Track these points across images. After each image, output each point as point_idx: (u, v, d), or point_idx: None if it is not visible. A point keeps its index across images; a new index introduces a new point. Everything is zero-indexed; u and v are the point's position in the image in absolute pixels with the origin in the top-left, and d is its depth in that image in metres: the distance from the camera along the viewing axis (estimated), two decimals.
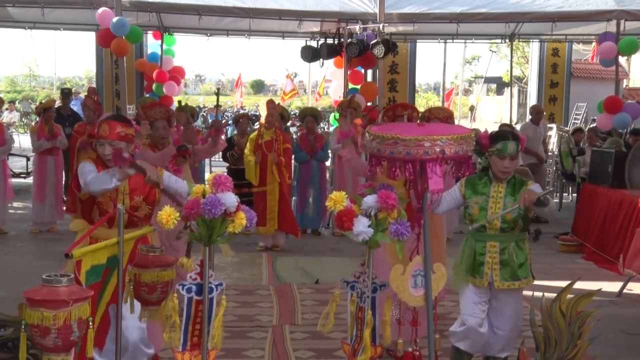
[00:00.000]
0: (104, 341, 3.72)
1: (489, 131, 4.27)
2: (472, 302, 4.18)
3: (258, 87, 65.47)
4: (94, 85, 14.67)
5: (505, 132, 4.26)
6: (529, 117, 12.72)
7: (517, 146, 4.15)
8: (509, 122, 13.78)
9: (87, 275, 3.20)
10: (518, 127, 15.72)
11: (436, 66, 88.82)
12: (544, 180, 11.56)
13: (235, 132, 10.82)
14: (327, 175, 10.64)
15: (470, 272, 4.16)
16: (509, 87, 19.67)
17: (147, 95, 12.71)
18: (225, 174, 3.17)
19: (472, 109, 29.85)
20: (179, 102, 8.93)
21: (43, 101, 12.29)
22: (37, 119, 10.06)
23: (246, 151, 8.58)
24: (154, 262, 3.53)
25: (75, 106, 18.40)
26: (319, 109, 14.31)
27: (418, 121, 5.08)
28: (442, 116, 6.90)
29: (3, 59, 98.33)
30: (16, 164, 13.41)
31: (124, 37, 9.86)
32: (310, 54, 12.12)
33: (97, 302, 3.51)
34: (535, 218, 10.31)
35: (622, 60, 18.99)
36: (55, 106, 10.20)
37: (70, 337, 2.79)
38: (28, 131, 10.03)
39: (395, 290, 3.32)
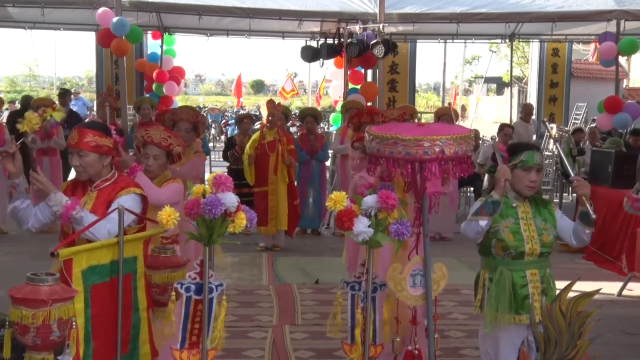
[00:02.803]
0: (155, 349, 3.59)
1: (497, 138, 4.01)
2: (510, 345, 3.63)
3: (258, 87, 65.43)
4: (94, 85, 14.69)
5: (526, 143, 3.90)
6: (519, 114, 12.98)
7: (542, 157, 3.68)
8: (508, 122, 13.81)
9: (84, 275, 3.16)
10: None
11: (436, 66, 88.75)
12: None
13: (237, 131, 10.83)
14: (327, 175, 10.64)
15: (514, 310, 3.58)
16: (509, 87, 19.68)
17: (147, 95, 12.72)
18: (226, 173, 3.16)
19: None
20: None
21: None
22: None
23: (245, 151, 8.57)
24: (165, 263, 3.51)
25: (76, 106, 18.42)
26: (318, 109, 14.33)
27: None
28: (395, 116, 6.71)
29: (3, 59, 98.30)
30: None
31: (124, 37, 9.87)
32: (310, 54, 12.13)
33: (136, 310, 3.43)
34: None
35: (622, 60, 18.99)
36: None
37: (50, 336, 2.78)
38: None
39: (393, 289, 3.32)
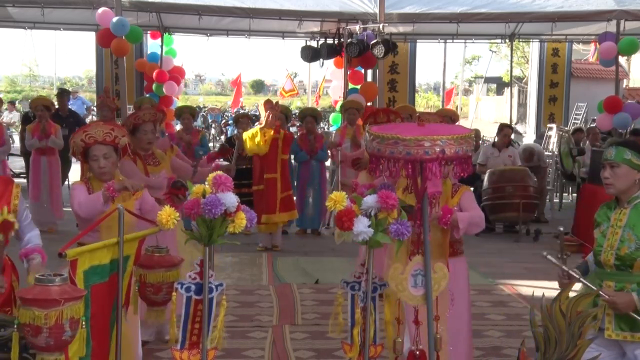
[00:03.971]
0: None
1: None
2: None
3: (258, 87, 65.42)
4: (94, 85, 14.70)
5: (614, 140, 3.64)
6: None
7: (620, 152, 3.40)
8: (508, 122, 13.81)
9: (86, 275, 3.18)
10: (518, 127, 15.75)
11: (436, 66, 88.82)
12: (544, 183, 11.52)
13: (236, 131, 10.82)
14: (327, 175, 10.64)
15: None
16: (509, 87, 19.69)
17: (147, 95, 12.71)
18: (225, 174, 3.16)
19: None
20: None
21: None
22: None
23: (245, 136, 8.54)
24: (159, 262, 3.52)
25: (74, 106, 18.39)
26: (318, 109, 14.34)
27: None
28: (432, 120, 6.73)
29: (3, 59, 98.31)
30: (16, 164, 13.38)
31: (124, 37, 9.87)
32: (310, 54, 12.13)
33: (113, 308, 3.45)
34: (535, 218, 10.44)
35: (622, 60, 19.00)
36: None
37: (62, 336, 2.78)
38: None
39: (395, 290, 3.32)
